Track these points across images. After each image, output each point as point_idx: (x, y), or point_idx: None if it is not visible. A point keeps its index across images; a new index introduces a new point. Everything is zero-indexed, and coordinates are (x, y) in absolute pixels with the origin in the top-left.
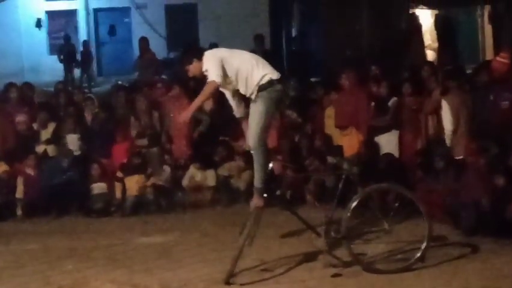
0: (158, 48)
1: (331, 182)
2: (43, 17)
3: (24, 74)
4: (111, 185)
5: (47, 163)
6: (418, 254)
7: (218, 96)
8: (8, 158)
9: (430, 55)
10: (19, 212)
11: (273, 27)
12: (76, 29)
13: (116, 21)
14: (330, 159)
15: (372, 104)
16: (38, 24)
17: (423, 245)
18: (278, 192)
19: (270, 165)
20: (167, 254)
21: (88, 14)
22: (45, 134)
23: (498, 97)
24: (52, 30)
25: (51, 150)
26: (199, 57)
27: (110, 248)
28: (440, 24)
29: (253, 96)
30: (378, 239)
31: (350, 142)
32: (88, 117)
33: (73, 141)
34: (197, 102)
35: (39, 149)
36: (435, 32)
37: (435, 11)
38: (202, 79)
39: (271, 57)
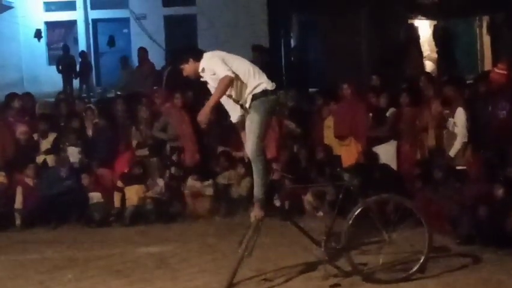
0: (158, 58)
1: (331, 192)
2: (42, 27)
3: (23, 84)
4: (110, 195)
5: (46, 173)
6: (418, 265)
7: (216, 108)
8: (8, 167)
9: (429, 66)
10: (18, 221)
11: (272, 38)
12: (75, 39)
13: (115, 32)
14: (330, 170)
15: (370, 114)
16: (37, 35)
17: (424, 256)
18: (277, 203)
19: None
20: (166, 264)
21: (87, 24)
22: (45, 144)
23: (496, 107)
24: (51, 41)
25: (51, 160)
26: (197, 57)
27: (110, 258)
28: (438, 35)
29: (246, 105)
30: (378, 250)
31: (348, 152)
32: (89, 127)
33: (74, 153)
34: (213, 99)
35: (39, 159)
36: (434, 42)
37: (434, 22)
38: (195, 80)
39: (270, 67)
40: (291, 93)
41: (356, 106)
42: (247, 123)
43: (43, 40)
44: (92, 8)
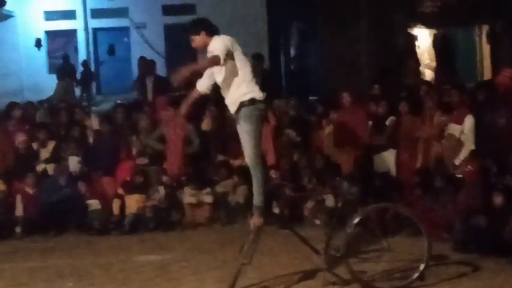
0: (158, 67)
1: (330, 200)
2: (43, 36)
3: (24, 93)
4: (108, 202)
5: (45, 181)
6: (418, 273)
7: (216, 116)
8: (8, 176)
9: (429, 74)
10: (18, 230)
11: (271, 47)
12: (75, 48)
13: (116, 41)
14: (329, 178)
15: (370, 122)
16: (38, 44)
17: (423, 264)
18: (276, 211)
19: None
20: (166, 272)
21: (87, 33)
22: (45, 153)
23: (496, 115)
24: (52, 50)
25: (50, 169)
26: (209, 33)
27: (109, 266)
28: (438, 44)
29: (232, 108)
30: (377, 258)
31: (348, 161)
32: (89, 135)
33: (74, 162)
34: (194, 67)
35: (39, 167)
36: (433, 51)
37: (434, 31)
38: (201, 52)
39: (270, 76)
40: (292, 102)
41: (355, 115)
42: (239, 132)
43: (43, 49)
44: (92, 17)
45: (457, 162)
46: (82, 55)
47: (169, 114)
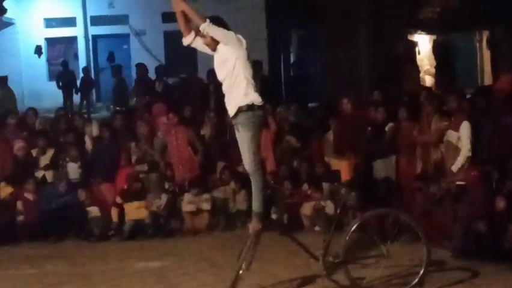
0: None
1: (329, 207)
2: (43, 44)
3: (24, 100)
4: (108, 209)
5: (45, 188)
6: (417, 279)
7: (216, 123)
8: (8, 183)
9: (428, 80)
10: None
11: (271, 53)
12: (75, 55)
13: (115, 48)
14: (328, 185)
15: (369, 129)
16: (38, 51)
17: (422, 270)
18: (275, 217)
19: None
20: (165, 279)
21: (87, 40)
22: (44, 160)
23: (495, 121)
24: (52, 57)
25: (50, 175)
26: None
27: (109, 273)
28: (437, 50)
29: (231, 112)
30: (376, 263)
31: (348, 167)
32: (88, 142)
33: (73, 169)
34: (189, 10)
35: (38, 174)
36: (433, 57)
37: (434, 37)
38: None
39: (269, 83)
40: (293, 108)
41: (355, 121)
42: (238, 138)
43: (43, 56)
44: (92, 24)
45: (454, 168)
46: (82, 62)
47: (168, 121)
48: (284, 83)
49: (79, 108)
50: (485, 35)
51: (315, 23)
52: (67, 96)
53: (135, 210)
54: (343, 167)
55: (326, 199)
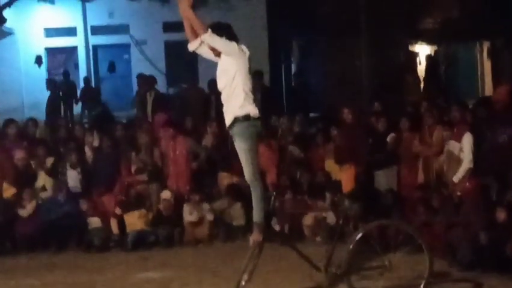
0: (158, 84)
1: (331, 217)
2: (43, 53)
3: (24, 110)
4: (109, 220)
5: (45, 198)
6: None
7: (217, 133)
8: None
9: None
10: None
11: (272, 63)
12: (76, 65)
13: (116, 58)
14: (331, 195)
15: (370, 139)
16: (38, 61)
17: (424, 281)
18: (277, 227)
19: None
20: None
21: (87, 50)
22: (44, 169)
23: (496, 132)
24: (52, 67)
25: (49, 184)
26: (229, 39)
27: (110, 284)
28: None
29: (227, 121)
30: (378, 275)
31: (349, 177)
32: (89, 152)
33: (72, 176)
34: (192, 18)
35: (38, 183)
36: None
37: (435, 47)
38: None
39: (270, 92)
40: (297, 119)
41: (356, 131)
42: (238, 151)
43: (44, 66)
44: (92, 34)
45: (455, 179)
46: (82, 72)
47: (168, 133)
48: (285, 93)
49: (80, 118)
50: (486, 45)
51: (316, 33)
52: (67, 107)
53: (137, 221)
54: (344, 177)
55: (327, 209)
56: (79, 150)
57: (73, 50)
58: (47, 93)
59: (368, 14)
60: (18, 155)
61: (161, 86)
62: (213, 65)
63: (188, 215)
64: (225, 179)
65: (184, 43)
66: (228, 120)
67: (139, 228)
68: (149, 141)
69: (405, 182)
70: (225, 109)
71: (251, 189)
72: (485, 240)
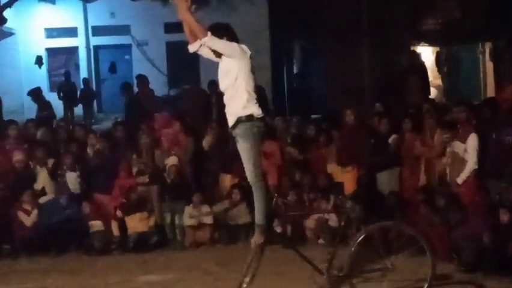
0: (159, 85)
1: (333, 219)
2: (44, 54)
3: (24, 111)
4: (110, 223)
5: (46, 201)
6: None
7: (218, 134)
8: (6, 194)
9: (432, 92)
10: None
11: (274, 65)
12: (76, 66)
13: (117, 58)
14: (332, 197)
15: (372, 141)
16: (38, 61)
17: (427, 283)
18: (278, 229)
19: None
20: None
21: (88, 51)
22: (44, 171)
23: (501, 133)
24: (53, 68)
25: (49, 187)
26: (232, 40)
27: (110, 287)
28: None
29: (230, 122)
30: (381, 277)
31: (351, 179)
32: (90, 153)
33: (72, 179)
34: (191, 21)
35: (37, 185)
36: (436, 69)
37: (437, 48)
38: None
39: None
40: (295, 120)
41: (358, 133)
42: (240, 152)
43: (44, 67)
44: (93, 35)
45: (459, 180)
46: (83, 73)
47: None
48: (287, 95)
49: (80, 119)
50: (488, 46)
51: (318, 35)
52: (68, 108)
53: (138, 223)
54: (346, 179)
55: (329, 212)
56: (79, 153)
57: (74, 50)
58: (48, 94)
59: (370, 15)
60: (17, 157)
61: (162, 87)
62: (215, 66)
63: (188, 218)
64: (226, 180)
65: (185, 44)
66: (231, 121)
67: (142, 230)
68: (150, 143)
69: (408, 183)
70: (227, 110)
71: (253, 190)
72: (488, 242)
